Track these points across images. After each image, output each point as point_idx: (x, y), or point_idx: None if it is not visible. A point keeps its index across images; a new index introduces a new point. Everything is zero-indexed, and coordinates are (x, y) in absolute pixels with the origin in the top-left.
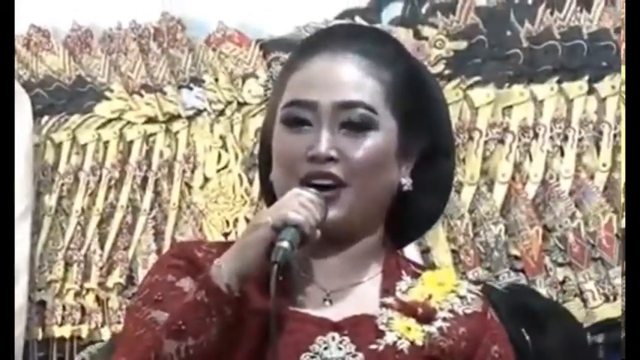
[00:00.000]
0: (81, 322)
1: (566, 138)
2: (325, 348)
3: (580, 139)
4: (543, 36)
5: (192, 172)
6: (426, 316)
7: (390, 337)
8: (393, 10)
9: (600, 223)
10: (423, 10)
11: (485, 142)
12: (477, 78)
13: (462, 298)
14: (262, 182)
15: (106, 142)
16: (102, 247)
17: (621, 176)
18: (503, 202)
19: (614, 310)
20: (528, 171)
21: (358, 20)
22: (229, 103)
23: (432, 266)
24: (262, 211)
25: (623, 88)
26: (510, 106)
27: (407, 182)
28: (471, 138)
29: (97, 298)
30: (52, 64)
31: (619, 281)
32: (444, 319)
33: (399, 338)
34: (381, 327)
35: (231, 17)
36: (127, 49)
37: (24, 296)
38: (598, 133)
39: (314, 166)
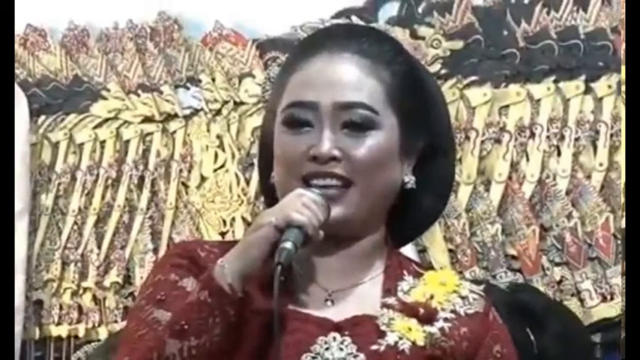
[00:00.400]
0: (78, 321)
1: (562, 137)
2: (326, 348)
3: (577, 139)
4: (540, 36)
5: (189, 171)
6: (427, 317)
7: (391, 338)
8: (390, 10)
9: (597, 223)
10: (420, 10)
11: (482, 142)
12: (473, 77)
13: (463, 298)
14: (262, 184)
15: (103, 142)
16: (99, 247)
17: (621, 176)
18: (500, 201)
19: (611, 309)
20: (525, 170)
21: (355, 20)
22: (226, 102)
23: (430, 266)
24: (265, 211)
25: (623, 88)
26: (507, 106)
27: (410, 180)
28: (467, 137)
29: (94, 298)
30: (48, 64)
31: (616, 281)
32: (446, 320)
33: (401, 339)
34: (383, 327)
35: (227, 17)
36: (123, 49)
37: (21, 295)
38: (595, 132)
39: (316, 166)
